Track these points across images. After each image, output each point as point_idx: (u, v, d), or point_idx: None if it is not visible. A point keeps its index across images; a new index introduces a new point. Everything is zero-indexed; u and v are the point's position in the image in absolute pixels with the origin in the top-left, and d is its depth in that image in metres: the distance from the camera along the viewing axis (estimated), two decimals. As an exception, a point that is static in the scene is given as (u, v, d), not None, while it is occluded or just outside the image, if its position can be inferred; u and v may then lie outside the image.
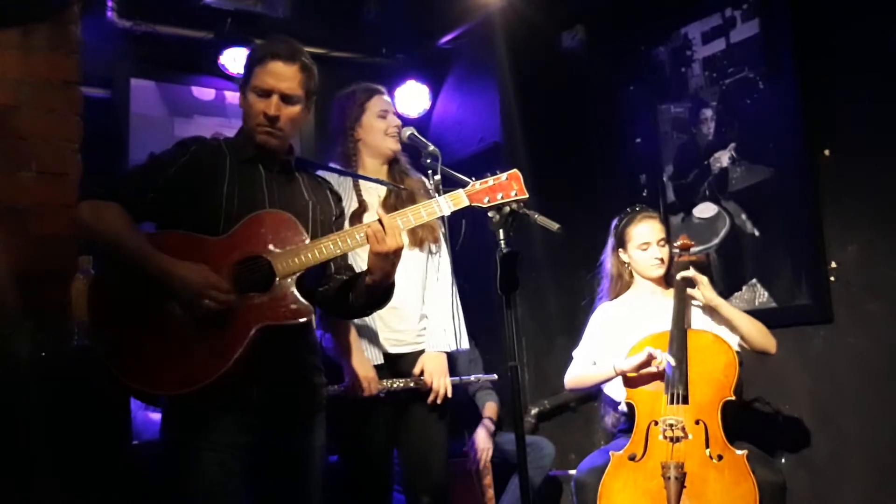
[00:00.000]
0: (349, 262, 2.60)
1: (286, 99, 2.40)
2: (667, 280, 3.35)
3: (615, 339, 3.22)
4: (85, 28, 3.67)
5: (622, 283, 3.42)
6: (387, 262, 2.34)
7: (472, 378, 3.38)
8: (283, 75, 2.39)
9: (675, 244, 3.28)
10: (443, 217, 2.66)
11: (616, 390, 3.28)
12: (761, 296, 3.72)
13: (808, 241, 3.55)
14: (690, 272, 3.19)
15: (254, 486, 2.38)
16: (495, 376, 3.70)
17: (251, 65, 2.42)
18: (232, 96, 4.89)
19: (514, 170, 2.45)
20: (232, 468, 2.27)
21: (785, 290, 3.64)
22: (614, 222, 3.43)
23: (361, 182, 3.11)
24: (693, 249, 3.29)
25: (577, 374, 3.33)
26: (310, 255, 2.28)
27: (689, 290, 3.19)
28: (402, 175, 3.18)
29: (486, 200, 2.40)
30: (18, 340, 3.10)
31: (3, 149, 3.37)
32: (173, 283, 2.19)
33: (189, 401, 2.21)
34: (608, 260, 3.46)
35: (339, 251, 2.32)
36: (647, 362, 3.01)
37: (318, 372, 2.51)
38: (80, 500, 2.98)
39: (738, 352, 3.10)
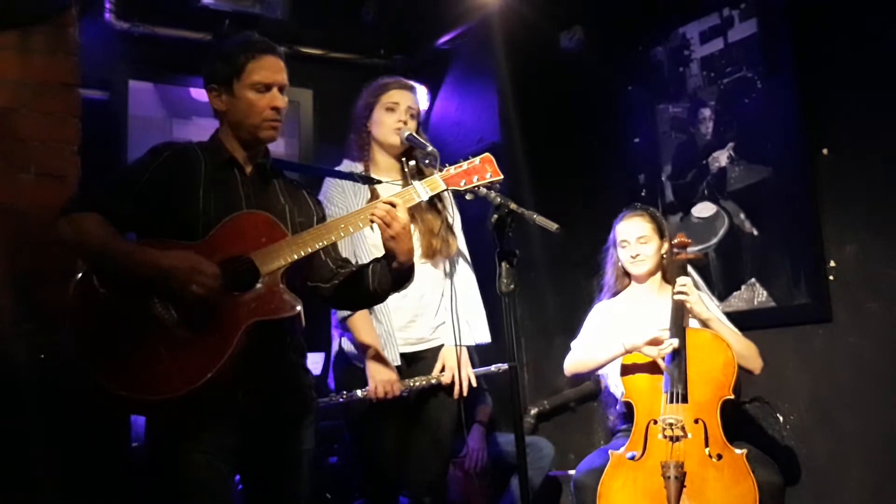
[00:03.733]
0: (343, 255, 2.58)
1: (282, 90, 2.41)
2: (664, 277, 3.36)
3: (614, 335, 3.22)
4: (83, 30, 3.68)
5: (619, 278, 3.45)
6: (404, 241, 2.32)
7: (493, 368, 3.38)
8: (278, 67, 2.40)
9: (672, 242, 3.29)
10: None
11: (618, 387, 3.28)
12: (760, 295, 3.72)
13: (806, 240, 3.55)
14: (686, 287, 3.16)
15: (244, 488, 2.37)
16: (506, 365, 3.65)
17: (242, 62, 2.37)
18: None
19: (487, 153, 2.48)
20: (221, 470, 2.25)
21: (784, 290, 3.64)
22: (616, 219, 3.47)
23: (378, 177, 3.10)
24: (693, 248, 3.29)
25: (579, 357, 3.32)
26: (292, 250, 2.26)
27: (681, 300, 3.17)
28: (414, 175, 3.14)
29: (462, 184, 2.43)
30: (17, 342, 3.10)
31: (2, 151, 3.37)
32: (161, 274, 2.15)
33: (178, 402, 2.16)
34: (609, 257, 3.49)
35: (319, 245, 2.30)
36: (658, 341, 3.01)
37: (305, 374, 2.48)
38: (80, 500, 2.99)
39: None
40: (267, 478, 2.35)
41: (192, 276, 2.14)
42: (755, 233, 3.78)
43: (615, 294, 3.46)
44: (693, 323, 3.21)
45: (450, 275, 3.15)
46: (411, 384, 3.01)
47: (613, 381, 3.31)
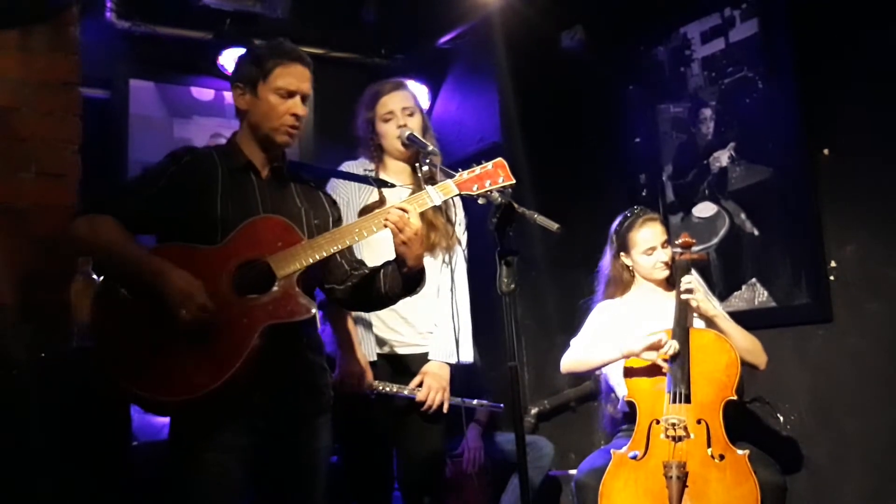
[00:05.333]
0: (359, 258, 2.62)
1: (304, 99, 2.46)
2: (667, 280, 3.35)
3: (615, 336, 3.22)
4: (84, 29, 3.67)
5: (622, 285, 3.41)
6: (415, 246, 2.36)
7: (475, 403, 3.36)
8: (304, 76, 2.45)
9: (676, 242, 3.28)
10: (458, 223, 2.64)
11: (619, 385, 3.27)
12: (761, 295, 3.72)
13: (807, 240, 3.55)
14: (692, 284, 3.16)
15: (258, 487, 2.39)
16: (502, 406, 3.65)
17: (270, 66, 2.42)
18: (231, 97, 4.89)
19: (500, 158, 2.49)
20: (234, 469, 2.28)
21: (784, 290, 3.64)
22: (614, 226, 3.42)
23: (384, 177, 3.11)
24: (694, 248, 3.29)
25: (577, 357, 3.30)
26: (307, 254, 2.30)
27: (688, 299, 3.16)
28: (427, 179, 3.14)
29: (474, 188, 2.44)
30: (18, 341, 3.10)
31: (2, 150, 3.37)
32: (165, 288, 2.19)
33: (195, 404, 2.21)
34: (607, 263, 3.45)
35: (335, 249, 2.33)
36: (657, 346, 3.00)
37: (322, 372, 2.51)
38: (80, 500, 2.98)
39: None
40: (282, 476, 2.37)
41: (183, 302, 2.17)
42: (756, 233, 3.78)
43: (616, 295, 3.44)
44: (696, 323, 3.20)
45: (448, 282, 3.14)
46: (380, 387, 2.98)
47: (615, 381, 3.31)
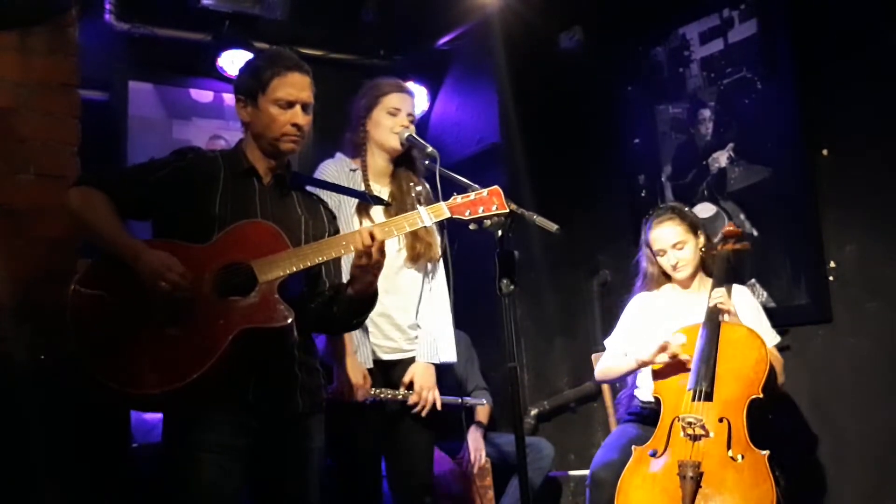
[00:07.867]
0: (342, 281, 2.60)
1: (305, 108, 2.47)
2: (705, 269, 3.34)
3: (649, 329, 3.21)
4: (83, 31, 3.67)
5: (655, 277, 3.41)
6: (369, 272, 2.37)
7: (459, 400, 3.40)
8: (303, 85, 2.46)
9: (723, 230, 3.29)
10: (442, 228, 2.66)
11: (645, 385, 3.28)
12: (760, 295, 3.72)
13: (806, 240, 3.55)
14: (723, 302, 3.09)
15: (253, 487, 2.39)
16: (483, 402, 3.77)
17: (268, 77, 2.43)
18: (230, 98, 4.88)
19: (496, 186, 2.49)
20: (230, 469, 2.29)
21: (784, 290, 3.64)
22: (644, 219, 3.44)
23: (371, 178, 3.10)
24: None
25: (606, 365, 3.34)
26: (291, 263, 2.30)
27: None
28: (406, 180, 3.13)
29: (467, 213, 2.46)
30: (17, 344, 3.10)
31: (1, 151, 3.37)
32: (139, 265, 2.21)
33: (187, 403, 2.22)
34: (643, 256, 3.46)
35: (320, 259, 2.34)
36: (664, 349, 2.99)
37: (316, 373, 2.52)
38: (80, 501, 2.98)
39: None
40: (276, 476, 2.38)
41: (162, 272, 2.19)
42: (755, 233, 3.78)
43: (652, 288, 3.43)
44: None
45: (429, 286, 3.13)
46: (377, 393, 2.98)
47: (645, 380, 3.30)
